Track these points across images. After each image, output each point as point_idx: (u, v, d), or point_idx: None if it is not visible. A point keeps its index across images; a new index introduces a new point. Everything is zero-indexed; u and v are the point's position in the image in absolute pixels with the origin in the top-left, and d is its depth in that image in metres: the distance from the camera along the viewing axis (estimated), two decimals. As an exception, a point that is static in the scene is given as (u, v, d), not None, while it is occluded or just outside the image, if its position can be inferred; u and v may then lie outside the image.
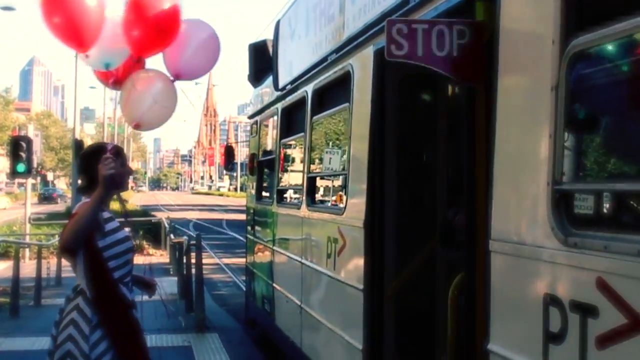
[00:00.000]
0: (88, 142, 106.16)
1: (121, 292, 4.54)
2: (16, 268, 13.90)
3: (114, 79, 5.21)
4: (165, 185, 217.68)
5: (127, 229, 4.81)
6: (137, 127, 5.13)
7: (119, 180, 4.50)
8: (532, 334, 3.36)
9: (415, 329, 5.91)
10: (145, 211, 40.94)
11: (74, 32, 4.97)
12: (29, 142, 21.13)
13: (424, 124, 6.19)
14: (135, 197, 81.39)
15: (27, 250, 21.20)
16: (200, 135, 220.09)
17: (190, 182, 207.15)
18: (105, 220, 4.50)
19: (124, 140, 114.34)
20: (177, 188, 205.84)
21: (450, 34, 4.10)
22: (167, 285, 17.17)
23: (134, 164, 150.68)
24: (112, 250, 4.50)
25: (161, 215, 32.88)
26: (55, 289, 16.91)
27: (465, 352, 4.27)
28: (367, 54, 5.91)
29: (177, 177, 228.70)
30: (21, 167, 20.69)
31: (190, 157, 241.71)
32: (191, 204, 77.91)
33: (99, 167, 4.31)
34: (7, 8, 39.78)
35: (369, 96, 5.82)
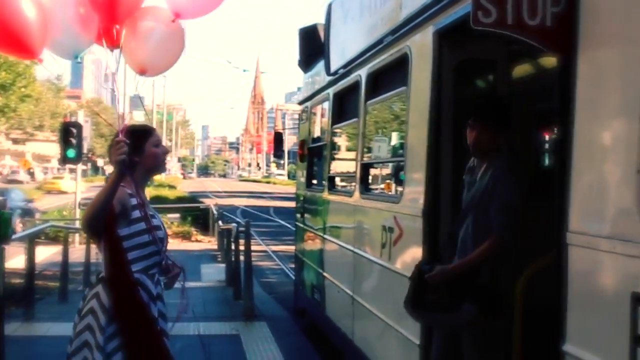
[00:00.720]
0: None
1: (141, 283, 4.29)
2: (65, 253, 13.91)
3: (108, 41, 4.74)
4: (213, 172, 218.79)
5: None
6: (142, 72, 4.79)
7: (153, 163, 4.41)
8: (616, 336, 3.08)
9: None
10: (194, 197, 41.04)
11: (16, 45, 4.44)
12: (79, 128, 21.17)
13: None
14: (184, 184, 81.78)
15: (76, 235, 21.28)
16: (248, 122, 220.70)
17: (238, 169, 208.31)
18: (133, 207, 4.29)
19: (172, 128, 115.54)
20: (225, 175, 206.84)
21: (543, 1, 3.73)
22: (215, 272, 17.17)
23: (181, 151, 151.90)
24: (136, 239, 4.28)
25: (209, 202, 32.92)
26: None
27: (535, 352, 4.00)
28: (427, 35, 5.64)
29: (225, 165, 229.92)
30: (71, 153, 20.73)
31: (237, 144, 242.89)
32: (238, 190, 78.09)
33: (111, 151, 4.13)
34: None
35: (428, 80, 5.56)
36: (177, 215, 26.97)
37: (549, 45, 3.74)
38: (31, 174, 78.68)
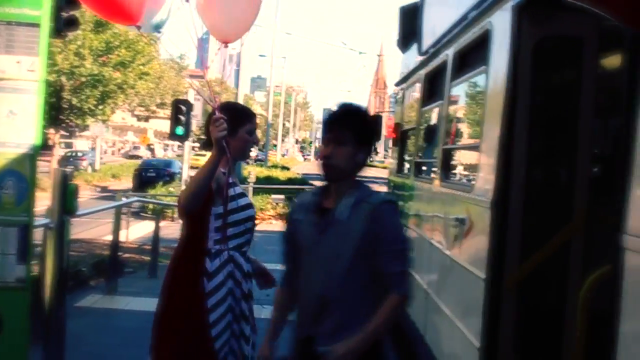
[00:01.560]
0: (257, 109, 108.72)
1: (235, 260, 4.41)
2: (156, 227, 13.95)
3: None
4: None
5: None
6: (226, 42, 4.63)
7: (240, 149, 4.42)
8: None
9: (540, 328, 5.10)
10: (304, 179, 41.00)
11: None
12: (188, 106, 21.40)
13: (565, 93, 5.33)
14: (300, 166, 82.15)
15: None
16: (369, 106, 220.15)
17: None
18: (229, 185, 4.32)
19: (291, 109, 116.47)
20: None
21: None
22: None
23: (301, 134, 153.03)
24: (231, 217, 4.33)
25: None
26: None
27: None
28: (506, 9, 5.13)
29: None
30: (180, 130, 21.00)
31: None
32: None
33: (210, 129, 4.07)
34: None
35: (506, 60, 5.05)
36: (282, 196, 26.90)
37: (617, 15, 3.17)
38: (151, 150, 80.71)
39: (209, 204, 4.23)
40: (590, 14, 4.73)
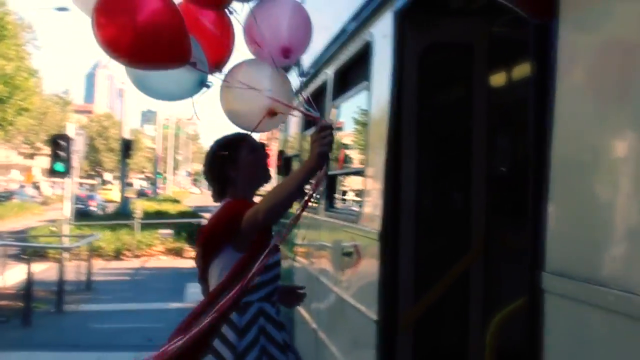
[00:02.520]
0: (147, 143, 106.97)
1: (266, 313, 3.69)
2: (29, 271, 13.08)
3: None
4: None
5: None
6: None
7: (252, 173, 3.79)
8: None
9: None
10: (195, 212, 40.04)
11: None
12: (67, 141, 20.45)
13: (455, 107, 4.84)
14: (191, 199, 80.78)
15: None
16: (260, 137, 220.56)
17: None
18: None
19: (182, 142, 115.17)
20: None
21: None
22: (199, 292, 16.14)
23: (193, 166, 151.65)
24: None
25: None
26: (84, 294, 16.39)
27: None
28: (387, 17, 4.60)
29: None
30: (59, 167, 20.27)
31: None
32: (247, 206, 77.09)
33: (313, 143, 3.30)
34: (62, 9, 39.52)
35: (389, 73, 4.52)
36: (170, 231, 26.01)
37: (525, 5, 2.62)
38: (37, 188, 78.08)
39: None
40: (480, 18, 4.26)
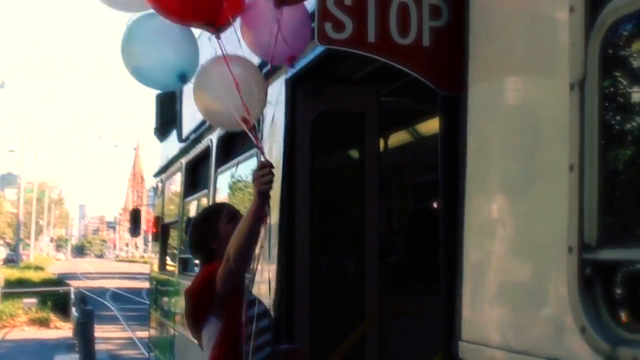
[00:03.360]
0: (7, 207, 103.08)
1: None
2: None
3: None
4: (89, 252, 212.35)
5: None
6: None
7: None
8: None
9: None
10: (60, 280, 38.65)
11: None
12: None
13: (347, 174, 4.87)
14: (55, 266, 78.02)
15: None
16: (127, 201, 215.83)
17: (115, 249, 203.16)
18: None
19: (45, 206, 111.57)
20: (102, 256, 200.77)
21: (418, 12, 2.67)
22: (67, 364, 15.51)
23: (56, 231, 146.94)
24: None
25: (79, 284, 31.02)
26: None
27: None
28: (279, 84, 4.60)
29: (102, 245, 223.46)
30: None
31: (115, 223, 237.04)
32: (113, 272, 75.19)
33: (254, 182, 3.34)
34: None
35: (281, 140, 4.50)
36: (34, 300, 24.90)
37: (427, 73, 2.68)
38: None
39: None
40: (371, 88, 4.32)
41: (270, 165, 3.36)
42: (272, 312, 4.32)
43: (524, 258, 2.18)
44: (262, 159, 3.41)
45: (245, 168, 5.90)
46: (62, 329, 23.31)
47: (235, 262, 3.47)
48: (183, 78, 3.62)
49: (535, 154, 2.15)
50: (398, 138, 5.27)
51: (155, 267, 10.62)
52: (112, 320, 25.89)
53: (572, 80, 1.95)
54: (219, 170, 6.35)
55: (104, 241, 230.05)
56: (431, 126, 4.78)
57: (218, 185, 6.46)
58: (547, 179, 2.08)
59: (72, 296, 22.91)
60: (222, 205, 4.04)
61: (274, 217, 4.48)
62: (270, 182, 3.34)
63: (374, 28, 2.63)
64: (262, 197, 3.34)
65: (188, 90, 7.73)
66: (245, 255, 3.50)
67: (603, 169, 1.88)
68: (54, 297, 25.96)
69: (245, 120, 3.49)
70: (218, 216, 3.85)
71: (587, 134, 1.89)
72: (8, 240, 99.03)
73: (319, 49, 3.96)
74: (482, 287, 2.37)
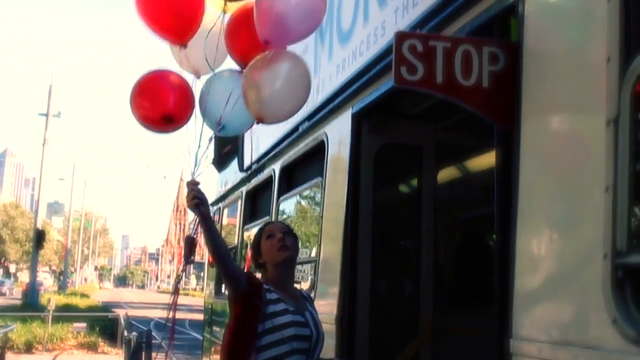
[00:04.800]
0: (54, 235, 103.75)
1: None
2: None
3: None
4: (131, 283, 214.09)
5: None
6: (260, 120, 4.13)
7: (271, 256, 4.01)
8: None
9: None
10: (106, 307, 39.36)
11: None
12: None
13: (405, 203, 5.29)
14: (99, 294, 79.03)
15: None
16: (169, 233, 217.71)
17: (157, 280, 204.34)
18: (272, 301, 3.86)
19: (91, 236, 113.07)
20: (143, 286, 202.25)
21: (479, 58, 3.14)
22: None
23: (100, 260, 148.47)
24: (271, 336, 3.79)
25: (121, 312, 31.46)
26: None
27: None
28: (345, 118, 5.05)
29: (144, 275, 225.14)
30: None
31: (157, 255, 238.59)
32: (156, 302, 75.87)
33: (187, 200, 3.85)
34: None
35: (345, 170, 4.94)
36: (83, 324, 25.50)
37: (486, 110, 3.14)
38: None
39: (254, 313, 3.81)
40: (429, 123, 4.77)
41: (192, 183, 3.86)
42: (336, 326, 4.75)
43: (567, 265, 2.60)
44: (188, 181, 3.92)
45: (306, 196, 6.35)
46: (110, 354, 23.82)
47: (214, 261, 3.99)
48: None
49: (577, 178, 2.58)
50: (448, 173, 5.67)
51: (211, 293, 11.02)
52: (157, 348, 26.26)
53: (608, 117, 2.38)
54: (281, 198, 6.78)
55: (146, 272, 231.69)
56: (481, 162, 5.16)
57: (280, 213, 6.89)
58: (587, 199, 2.50)
59: (122, 322, 23.37)
60: (265, 225, 4.32)
61: (338, 240, 4.92)
62: (192, 198, 3.80)
63: (441, 72, 3.11)
64: (194, 211, 3.84)
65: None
66: (215, 258, 3.89)
67: (632, 191, 2.30)
68: (102, 322, 26.53)
69: None
70: (260, 235, 4.14)
71: (620, 161, 2.32)
72: (54, 268, 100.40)
73: (383, 87, 4.42)
74: (530, 290, 2.79)
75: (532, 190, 2.85)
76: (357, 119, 4.86)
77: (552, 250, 2.71)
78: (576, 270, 2.54)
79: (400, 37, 3.15)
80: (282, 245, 3.99)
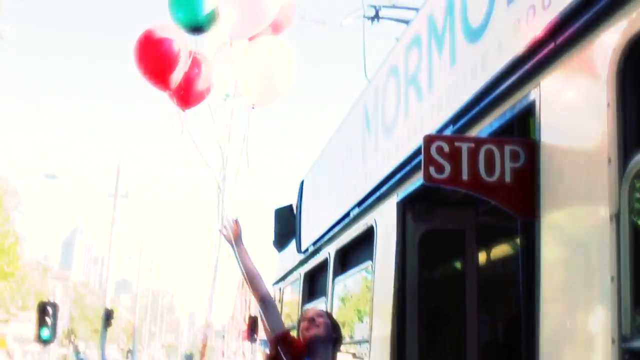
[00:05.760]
0: (123, 313, 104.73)
1: None
2: None
3: None
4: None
5: None
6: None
7: (304, 336, 4.68)
8: None
9: None
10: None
11: None
12: (55, 308, 20.77)
13: (450, 283, 5.54)
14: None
15: None
16: (235, 310, 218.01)
17: (223, 357, 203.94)
18: None
19: (158, 314, 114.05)
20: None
21: (501, 156, 3.45)
22: None
23: (167, 338, 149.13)
24: None
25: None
26: None
27: None
28: (391, 205, 5.35)
29: (211, 352, 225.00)
30: (45, 334, 20.33)
31: (224, 332, 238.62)
32: (222, 380, 75.79)
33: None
34: (51, 176, 40.30)
35: (393, 254, 5.22)
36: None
37: (509, 204, 3.42)
38: (10, 357, 76.47)
39: None
40: (470, 209, 5.04)
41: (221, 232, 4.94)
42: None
43: (582, 347, 2.85)
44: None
45: (359, 278, 6.62)
46: None
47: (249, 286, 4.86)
48: None
49: (588, 267, 2.84)
50: (499, 250, 5.89)
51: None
52: None
53: (611, 212, 2.65)
54: (336, 280, 7.06)
55: (213, 349, 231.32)
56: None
57: (335, 294, 7.16)
58: (597, 287, 2.75)
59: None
60: (303, 312, 5.26)
61: (387, 320, 5.17)
62: (227, 233, 4.89)
63: (466, 169, 3.43)
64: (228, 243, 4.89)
65: (306, 205, 8.61)
66: (245, 280, 4.82)
67: (634, 281, 2.55)
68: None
69: None
70: (298, 322, 4.90)
71: (622, 253, 2.58)
72: (122, 346, 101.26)
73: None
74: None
75: (551, 276, 3.11)
76: (402, 206, 5.15)
77: (569, 333, 2.95)
78: (589, 353, 2.78)
79: (429, 139, 3.49)
80: (311, 325, 4.59)
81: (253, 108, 4.96)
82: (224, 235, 4.88)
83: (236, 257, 4.87)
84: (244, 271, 4.78)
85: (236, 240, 4.87)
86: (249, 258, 4.87)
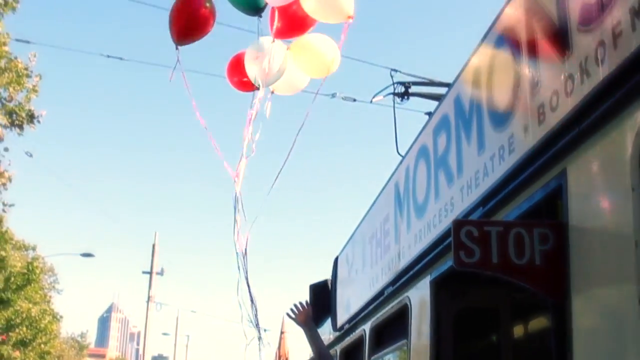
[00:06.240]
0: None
1: None
2: None
3: None
4: None
5: None
6: None
7: None
8: None
9: None
10: None
11: None
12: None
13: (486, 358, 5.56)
14: None
15: None
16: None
17: None
18: None
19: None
20: None
21: (530, 239, 3.49)
22: None
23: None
24: None
25: None
26: None
27: None
28: (424, 284, 5.41)
29: None
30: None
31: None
32: None
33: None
34: (87, 255, 40.59)
35: (428, 332, 5.26)
36: None
37: (539, 286, 3.47)
38: None
39: None
40: (503, 286, 5.09)
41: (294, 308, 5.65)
42: None
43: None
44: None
45: (394, 356, 6.64)
46: None
47: None
48: None
49: (619, 349, 2.88)
50: (535, 325, 5.89)
51: None
52: None
53: (639, 296, 2.70)
54: (372, 358, 7.08)
55: None
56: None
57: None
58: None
59: None
60: None
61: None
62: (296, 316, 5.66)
63: (496, 253, 3.49)
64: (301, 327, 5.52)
65: (340, 282, 8.67)
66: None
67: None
68: None
69: None
70: None
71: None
72: None
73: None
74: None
75: (583, 357, 3.14)
76: (435, 285, 5.20)
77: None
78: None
79: (458, 224, 3.56)
80: None
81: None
82: (294, 319, 5.31)
83: (307, 337, 5.38)
84: (314, 351, 5.28)
85: (307, 322, 5.19)
86: (319, 338, 5.18)
